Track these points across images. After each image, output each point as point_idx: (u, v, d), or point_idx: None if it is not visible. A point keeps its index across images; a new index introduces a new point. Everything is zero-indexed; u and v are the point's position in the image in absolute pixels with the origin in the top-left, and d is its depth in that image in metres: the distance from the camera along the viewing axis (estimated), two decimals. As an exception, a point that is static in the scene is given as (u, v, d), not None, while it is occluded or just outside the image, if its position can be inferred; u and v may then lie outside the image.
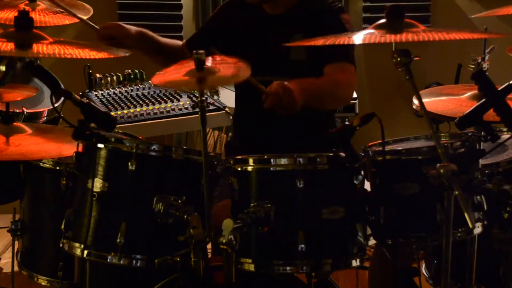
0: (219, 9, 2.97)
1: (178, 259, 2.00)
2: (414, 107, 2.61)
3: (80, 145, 2.19)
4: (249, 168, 2.13)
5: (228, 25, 2.85)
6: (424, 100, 1.95)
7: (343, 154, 2.09)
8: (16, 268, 2.71)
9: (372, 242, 2.18)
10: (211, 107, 3.31)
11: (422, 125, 2.01)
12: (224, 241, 1.86)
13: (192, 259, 1.90)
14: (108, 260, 2.11)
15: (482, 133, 2.13)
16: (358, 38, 2.05)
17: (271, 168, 2.11)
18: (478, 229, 2.18)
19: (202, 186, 2.03)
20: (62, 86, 2.22)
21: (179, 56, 2.87)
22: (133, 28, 2.75)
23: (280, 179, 2.10)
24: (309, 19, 2.71)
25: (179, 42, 2.96)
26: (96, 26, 2.75)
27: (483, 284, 2.43)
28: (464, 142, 2.18)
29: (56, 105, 3.11)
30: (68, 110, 2.45)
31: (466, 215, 1.77)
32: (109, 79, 3.69)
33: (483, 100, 2.04)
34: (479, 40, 3.73)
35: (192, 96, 3.45)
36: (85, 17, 3.06)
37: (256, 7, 2.79)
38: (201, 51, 2.00)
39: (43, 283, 2.59)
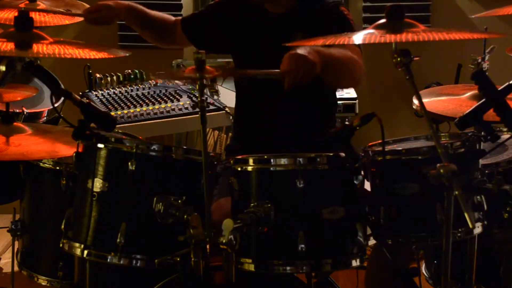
0: (221, 0, 2.95)
1: (178, 259, 2.01)
2: (414, 107, 2.61)
3: (80, 145, 2.19)
4: (249, 168, 2.13)
5: (228, 20, 2.84)
6: (424, 100, 1.95)
7: (343, 154, 2.09)
8: (16, 268, 2.71)
9: (372, 242, 2.18)
10: (211, 107, 3.31)
11: (422, 125, 2.01)
12: (224, 241, 1.86)
13: (192, 259, 1.90)
14: (108, 260, 2.11)
15: (482, 133, 2.14)
16: (358, 38, 2.05)
17: (271, 168, 2.11)
18: (478, 229, 2.18)
19: (202, 186, 2.03)
20: (62, 86, 2.22)
21: (169, 31, 2.91)
22: (122, 6, 2.77)
23: (280, 179, 2.10)
24: (310, 17, 2.71)
25: (171, 18, 2.97)
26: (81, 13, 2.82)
27: (483, 284, 2.43)
28: (464, 142, 2.18)
29: (56, 105, 3.11)
30: (68, 110, 2.45)
31: (466, 215, 1.77)
32: (109, 79, 3.69)
33: (483, 100, 2.04)
34: (479, 40, 3.72)
35: (192, 96, 3.45)
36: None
37: (257, 5, 2.78)
38: (201, 51, 2.00)
39: (43, 283, 2.59)
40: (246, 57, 2.53)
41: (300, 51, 2.20)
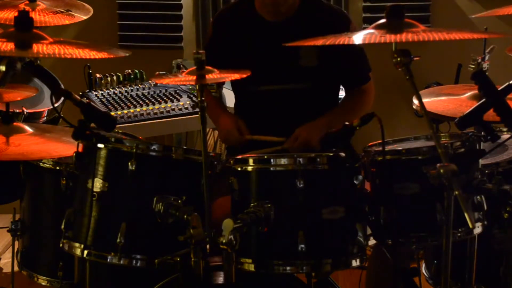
0: (213, 28, 2.90)
1: (178, 259, 2.01)
2: (414, 107, 2.61)
3: (80, 145, 2.19)
4: (249, 168, 2.13)
5: (228, 40, 2.81)
6: (424, 100, 1.95)
7: (343, 154, 2.09)
8: (16, 268, 2.71)
9: (372, 242, 2.18)
10: (211, 107, 3.31)
11: (422, 125, 2.01)
12: (224, 241, 1.86)
13: (192, 259, 1.90)
14: (108, 260, 2.11)
15: (482, 133, 2.14)
16: (358, 38, 2.05)
17: (271, 168, 2.11)
18: (478, 229, 2.18)
19: (202, 186, 2.03)
20: (62, 86, 2.22)
21: None
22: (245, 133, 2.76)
23: (280, 179, 2.10)
24: (316, 26, 2.69)
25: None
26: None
27: (483, 284, 2.43)
28: (464, 142, 2.18)
29: (56, 105, 3.10)
30: (68, 110, 2.45)
31: (466, 215, 1.77)
32: (109, 79, 3.69)
33: (483, 100, 2.04)
34: (479, 40, 3.72)
35: (192, 96, 3.45)
36: (85, 17, 3.07)
37: (253, 16, 2.76)
38: (201, 51, 1.99)
39: (43, 283, 2.59)
40: (254, 69, 2.51)
41: (305, 130, 2.58)
